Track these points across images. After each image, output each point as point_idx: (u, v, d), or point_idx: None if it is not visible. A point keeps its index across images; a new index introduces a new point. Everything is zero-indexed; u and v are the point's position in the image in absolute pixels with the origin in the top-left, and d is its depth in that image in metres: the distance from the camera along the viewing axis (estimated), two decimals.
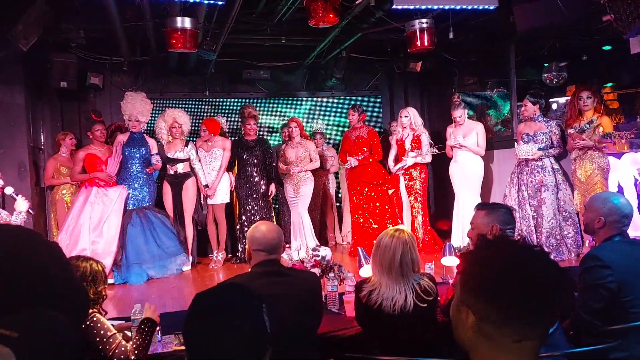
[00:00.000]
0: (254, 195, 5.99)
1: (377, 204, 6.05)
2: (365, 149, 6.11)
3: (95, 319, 2.33)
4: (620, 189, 5.22)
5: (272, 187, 6.06)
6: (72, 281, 1.46)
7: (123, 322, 2.97)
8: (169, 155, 5.81)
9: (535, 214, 5.24)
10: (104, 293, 2.51)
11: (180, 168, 5.84)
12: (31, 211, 3.90)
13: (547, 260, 1.03)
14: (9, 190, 3.78)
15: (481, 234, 2.58)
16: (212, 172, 5.91)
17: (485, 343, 1.02)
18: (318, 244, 5.47)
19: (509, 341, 1.00)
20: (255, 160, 6.04)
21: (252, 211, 5.98)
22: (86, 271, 2.42)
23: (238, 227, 6.11)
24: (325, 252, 3.73)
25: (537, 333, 1.01)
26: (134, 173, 5.62)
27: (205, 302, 1.22)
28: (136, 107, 5.66)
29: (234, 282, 1.33)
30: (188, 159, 5.86)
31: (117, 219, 5.34)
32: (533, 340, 1.01)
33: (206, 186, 5.84)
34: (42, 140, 6.48)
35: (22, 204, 3.75)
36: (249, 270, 2.43)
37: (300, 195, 6.10)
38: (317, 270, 3.52)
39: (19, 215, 3.71)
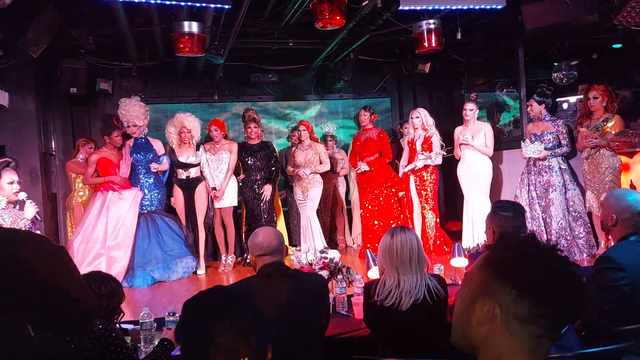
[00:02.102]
0: (259, 199, 5.98)
1: (388, 206, 6.02)
2: (375, 151, 6.09)
3: (110, 328, 2.33)
4: (633, 188, 5.15)
5: (266, 189, 5.97)
6: (79, 286, 1.47)
7: (134, 326, 2.98)
8: (181, 160, 5.81)
9: (544, 214, 5.20)
10: (121, 308, 2.52)
11: (193, 173, 5.84)
12: (38, 217, 3.89)
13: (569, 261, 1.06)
14: (21, 196, 3.80)
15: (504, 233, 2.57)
16: (219, 175, 5.91)
17: (504, 337, 1.02)
18: (326, 246, 5.45)
19: (529, 336, 1.01)
20: (259, 164, 6.03)
21: (257, 215, 5.97)
22: (107, 290, 2.44)
23: (245, 230, 6.12)
24: (333, 254, 3.72)
25: (557, 331, 1.03)
26: (142, 178, 5.65)
27: (193, 308, 1.23)
28: (131, 111, 5.66)
29: (218, 285, 1.33)
30: (199, 163, 5.87)
31: (132, 221, 5.37)
32: (550, 338, 1.02)
33: (214, 188, 5.84)
34: (53, 146, 6.54)
35: (28, 211, 3.75)
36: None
37: (308, 198, 6.09)
38: (325, 273, 3.51)
39: (21, 222, 3.70)
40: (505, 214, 2.62)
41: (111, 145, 5.72)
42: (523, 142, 5.32)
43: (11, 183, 3.72)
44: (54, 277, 1.32)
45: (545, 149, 5.17)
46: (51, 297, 1.32)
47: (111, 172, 5.54)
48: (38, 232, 4.03)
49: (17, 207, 3.80)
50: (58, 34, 5.33)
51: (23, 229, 3.67)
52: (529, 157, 5.31)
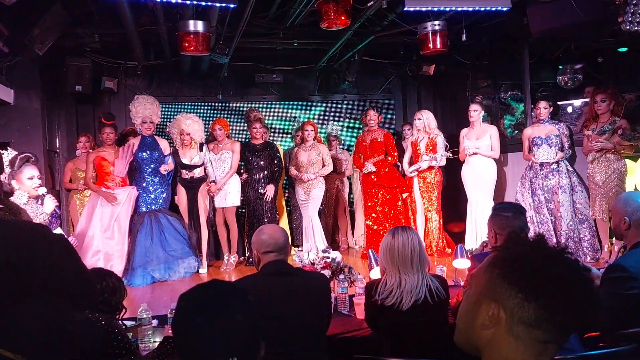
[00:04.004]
0: (262, 199, 5.98)
1: (392, 208, 6.01)
2: (381, 152, 6.08)
3: (113, 324, 2.34)
4: None
5: (269, 189, 5.96)
6: (80, 272, 1.49)
7: (133, 322, 2.99)
8: (184, 162, 5.80)
9: (552, 217, 5.19)
10: (123, 305, 2.54)
11: (197, 173, 5.84)
12: (58, 211, 3.99)
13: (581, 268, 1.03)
14: (41, 191, 3.86)
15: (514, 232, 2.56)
16: (222, 175, 5.88)
17: (508, 341, 1.00)
18: (328, 246, 5.44)
19: (534, 341, 0.99)
20: (262, 164, 6.02)
21: (259, 214, 5.96)
22: (108, 285, 2.47)
23: (247, 230, 6.12)
24: (334, 254, 3.72)
25: (563, 338, 1.01)
26: (148, 177, 5.64)
27: (189, 302, 1.20)
28: (149, 108, 5.67)
29: (216, 279, 1.31)
30: (203, 164, 5.88)
31: (125, 219, 5.37)
32: (556, 344, 1.00)
33: (213, 181, 5.80)
34: (58, 144, 6.57)
35: (48, 205, 3.82)
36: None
37: (310, 199, 6.09)
38: (327, 272, 3.51)
39: (40, 217, 3.77)
40: (506, 215, 2.63)
41: (107, 144, 5.71)
42: (535, 147, 5.28)
43: (31, 178, 3.76)
44: (57, 264, 1.35)
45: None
46: (54, 282, 1.35)
47: (106, 170, 5.53)
48: (59, 228, 4.12)
49: (39, 202, 3.84)
50: (64, 32, 5.35)
51: (39, 222, 3.74)
52: (532, 162, 5.31)
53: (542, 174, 5.24)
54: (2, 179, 3.79)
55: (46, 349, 1.19)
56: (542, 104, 5.36)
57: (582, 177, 5.26)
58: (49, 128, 6.17)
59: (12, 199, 3.73)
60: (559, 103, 6.47)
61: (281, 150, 6.44)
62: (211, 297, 1.20)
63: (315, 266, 3.63)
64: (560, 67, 6.98)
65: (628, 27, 4.38)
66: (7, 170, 3.79)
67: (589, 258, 5.04)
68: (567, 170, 5.20)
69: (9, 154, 3.96)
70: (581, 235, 5.13)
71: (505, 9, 4.92)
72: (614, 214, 2.48)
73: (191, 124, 5.79)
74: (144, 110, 5.64)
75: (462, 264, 3.86)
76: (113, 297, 2.46)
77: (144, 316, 2.59)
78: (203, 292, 1.22)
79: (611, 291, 2.29)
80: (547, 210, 5.21)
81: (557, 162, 5.19)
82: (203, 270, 5.70)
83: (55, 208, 3.89)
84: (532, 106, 5.99)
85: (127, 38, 5.72)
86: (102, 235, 5.27)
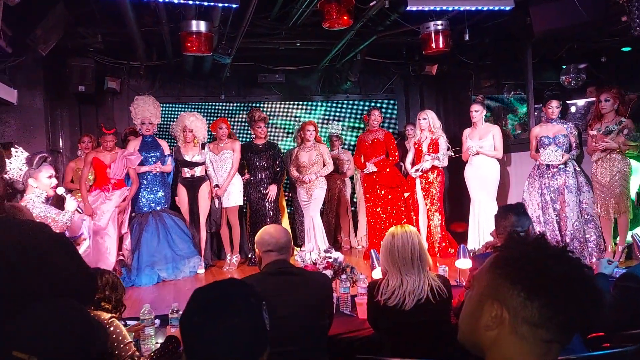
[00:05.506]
0: (264, 199, 5.98)
1: (393, 208, 6.00)
2: (382, 152, 6.07)
3: (115, 324, 2.34)
4: None
5: (272, 189, 5.95)
6: (80, 269, 1.49)
7: (136, 322, 2.99)
8: (187, 159, 5.81)
9: (558, 217, 5.17)
10: (123, 302, 2.54)
11: (198, 172, 5.85)
12: (79, 210, 4.00)
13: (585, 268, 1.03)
14: (60, 191, 3.88)
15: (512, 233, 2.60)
16: (223, 175, 5.89)
17: (512, 341, 1.00)
18: (330, 246, 5.44)
19: (538, 341, 0.99)
20: (264, 164, 6.02)
21: (262, 215, 5.96)
22: (108, 281, 2.48)
23: (249, 230, 6.12)
24: (336, 255, 3.71)
25: (566, 337, 1.00)
26: (150, 177, 5.65)
27: (203, 297, 1.19)
28: (148, 110, 5.69)
29: (234, 278, 1.29)
30: (204, 162, 5.88)
31: (106, 219, 5.26)
32: (560, 343, 1.00)
33: (216, 186, 5.83)
34: (61, 144, 6.58)
35: (70, 204, 3.84)
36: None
37: (312, 199, 6.09)
38: (329, 272, 3.50)
39: (66, 214, 3.79)
40: (497, 214, 2.69)
41: (108, 150, 5.68)
42: (541, 147, 5.26)
43: (50, 177, 3.77)
44: (59, 263, 1.35)
45: (564, 152, 5.16)
46: (57, 282, 1.35)
47: (102, 172, 5.50)
48: (84, 223, 4.15)
49: (49, 201, 3.86)
50: (67, 33, 5.37)
51: (63, 222, 3.77)
52: (539, 161, 5.28)
53: (549, 173, 5.22)
54: (16, 177, 3.82)
55: (57, 350, 1.19)
56: (555, 103, 5.30)
57: (589, 177, 5.24)
58: (52, 128, 6.19)
59: (29, 197, 3.76)
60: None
61: (282, 151, 6.44)
62: (215, 297, 1.19)
63: (317, 266, 3.62)
64: (564, 66, 6.96)
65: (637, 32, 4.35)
66: (25, 168, 3.82)
67: (594, 258, 5.01)
68: (575, 170, 5.17)
69: (22, 153, 3.98)
70: (587, 236, 5.11)
71: (508, 8, 4.91)
72: None
73: (194, 121, 5.85)
74: (143, 111, 5.68)
75: (465, 264, 3.85)
76: (113, 294, 2.48)
77: (147, 316, 2.59)
78: (207, 292, 1.22)
79: (621, 298, 2.29)
80: (553, 211, 5.19)
81: (565, 162, 5.17)
82: (201, 271, 5.70)
83: (78, 207, 3.92)
84: (537, 106, 5.98)
85: (129, 38, 5.72)
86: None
